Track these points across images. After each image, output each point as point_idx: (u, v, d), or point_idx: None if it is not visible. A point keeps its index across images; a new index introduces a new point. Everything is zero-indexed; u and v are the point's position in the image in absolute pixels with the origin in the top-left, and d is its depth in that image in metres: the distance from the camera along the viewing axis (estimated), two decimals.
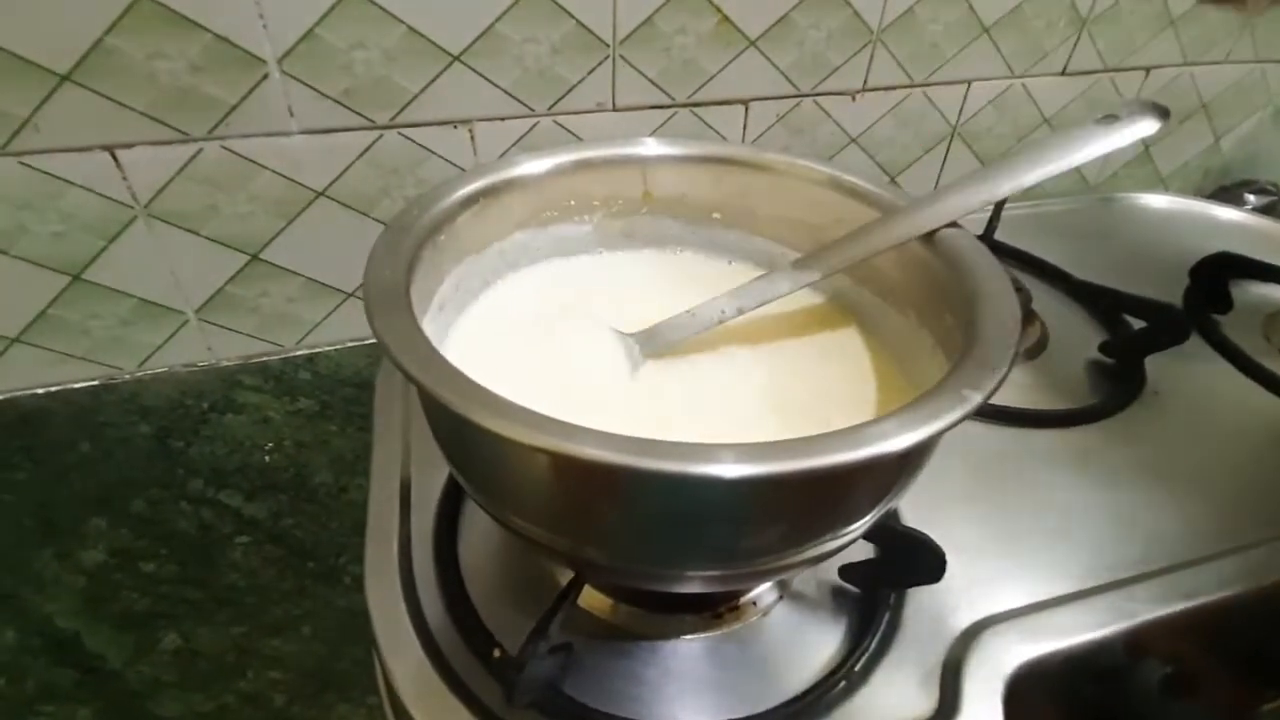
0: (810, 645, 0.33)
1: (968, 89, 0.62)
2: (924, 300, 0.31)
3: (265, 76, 0.43)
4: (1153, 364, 0.47)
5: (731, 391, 0.31)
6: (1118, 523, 0.39)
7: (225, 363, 0.52)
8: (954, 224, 0.30)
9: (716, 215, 0.37)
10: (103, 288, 0.47)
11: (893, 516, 0.37)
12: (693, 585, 0.27)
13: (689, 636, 0.33)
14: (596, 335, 0.33)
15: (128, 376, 0.50)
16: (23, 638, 0.41)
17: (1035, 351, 0.50)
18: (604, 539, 0.25)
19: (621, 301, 0.35)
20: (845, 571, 0.35)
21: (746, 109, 0.56)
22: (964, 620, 0.34)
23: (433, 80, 0.47)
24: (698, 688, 0.31)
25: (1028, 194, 0.66)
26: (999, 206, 0.50)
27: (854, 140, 0.61)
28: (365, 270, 0.26)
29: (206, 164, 0.45)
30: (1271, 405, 0.46)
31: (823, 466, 0.20)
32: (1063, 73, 0.64)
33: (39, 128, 0.41)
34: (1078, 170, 0.72)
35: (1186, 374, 0.48)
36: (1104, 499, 0.40)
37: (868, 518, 0.26)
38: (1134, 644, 0.34)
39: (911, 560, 0.32)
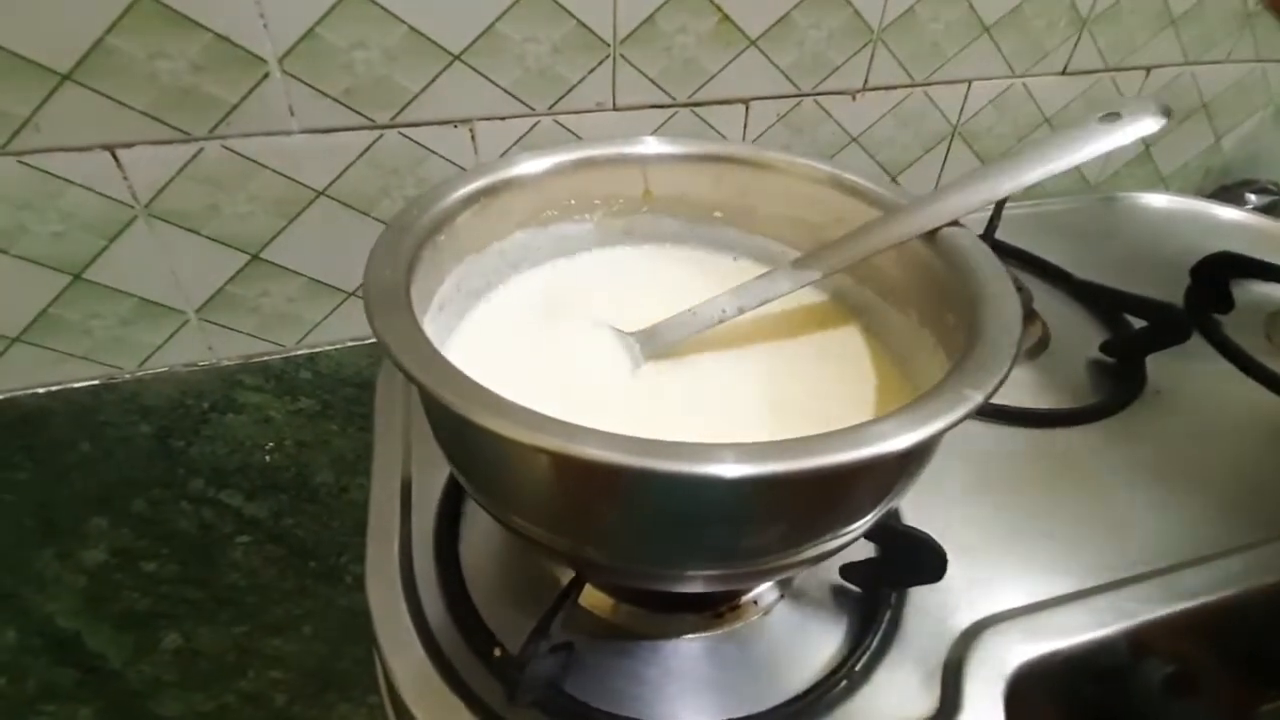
0: (811, 644, 0.33)
1: (968, 88, 0.62)
2: (925, 299, 0.31)
3: (266, 76, 0.43)
4: (1154, 363, 0.47)
5: (732, 391, 0.31)
6: (1119, 522, 0.39)
7: (226, 362, 0.52)
8: (955, 223, 0.30)
9: (717, 214, 0.37)
10: (103, 287, 0.47)
11: (894, 516, 0.37)
12: (693, 585, 0.27)
13: (690, 636, 0.33)
14: (597, 335, 0.33)
15: (128, 376, 0.51)
16: (24, 637, 0.41)
17: (1036, 351, 0.50)
18: (605, 539, 0.25)
19: (622, 301, 0.35)
20: (846, 571, 0.35)
21: (747, 108, 0.56)
22: (965, 620, 0.34)
23: (433, 80, 0.47)
24: (698, 687, 0.31)
25: (1028, 193, 0.67)
26: (1000, 206, 0.50)
27: (855, 140, 0.61)
28: (365, 270, 0.26)
29: (207, 163, 0.45)
30: (1273, 405, 0.46)
31: (823, 466, 0.20)
32: (1063, 72, 0.64)
33: (39, 127, 0.41)
34: (1078, 169, 0.72)
35: (1188, 373, 0.48)
36: (1105, 498, 0.40)
37: (869, 517, 0.26)
38: (1135, 643, 0.34)
39: (912, 560, 0.32)
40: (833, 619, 0.34)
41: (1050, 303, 0.54)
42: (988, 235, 0.50)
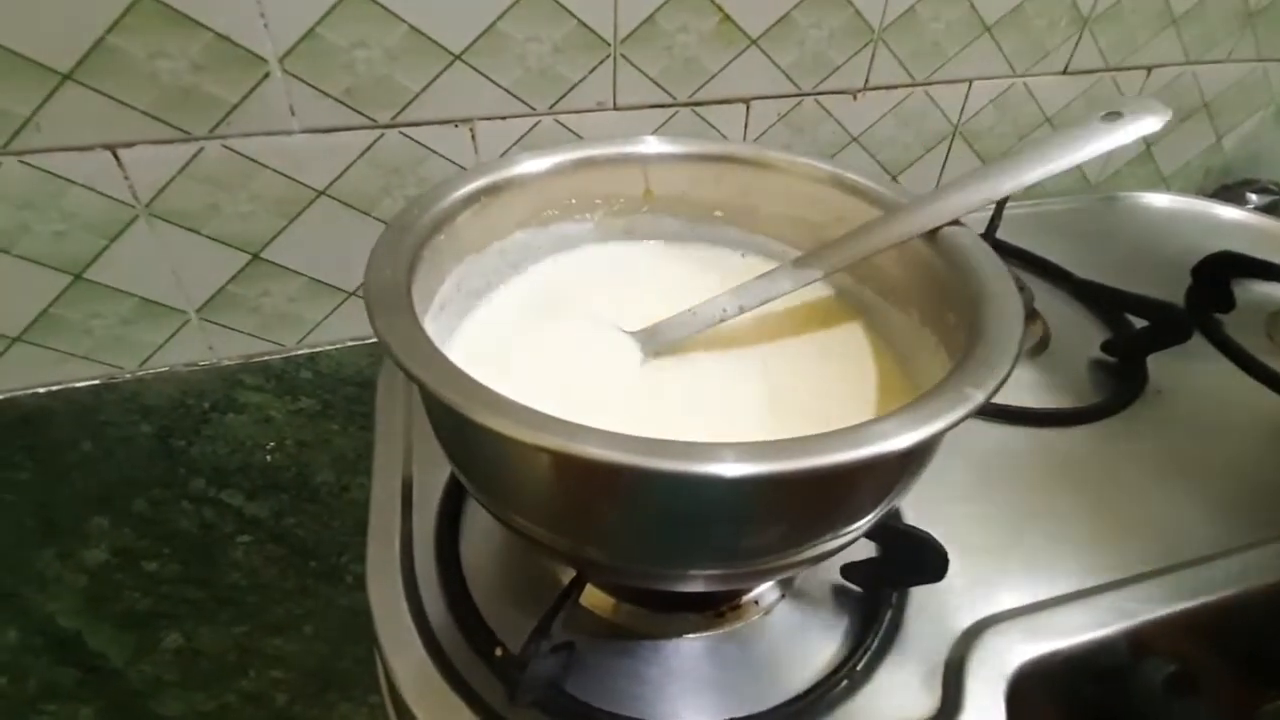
0: (812, 644, 0.33)
1: (969, 88, 0.62)
2: (926, 299, 0.31)
3: (266, 75, 0.43)
4: (1155, 363, 0.47)
5: (733, 390, 0.31)
6: (1120, 522, 0.39)
7: (226, 362, 0.52)
8: (956, 222, 0.30)
9: (718, 213, 0.37)
10: (104, 287, 0.47)
11: (895, 515, 0.37)
12: (694, 584, 0.27)
13: (691, 635, 0.33)
14: (598, 334, 0.33)
15: (129, 376, 0.51)
16: (25, 637, 0.41)
17: (1037, 350, 0.50)
18: (605, 538, 0.25)
19: (623, 300, 0.35)
20: (847, 570, 0.35)
21: (748, 108, 0.56)
22: (966, 619, 0.34)
23: (434, 79, 0.47)
24: (699, 687, 0.31)
25: (1029, 193, 0.67)
26: (1001, 205, 0.50)
27: (855, 139, 0.61)
28: (366, 269, 0.26)
29: (208, 163, 0.45)
30: (1274, 404, 0.46)
31: (824, 465, 0.20)
32: (1064, 72, 0.64)
33: (40, 127, 0.41)
34: (1079, 169, 0.72)
35: (1189, 373, 0.48)
36: (1106, 498, 0.40)
37: (870, 517, 0.26)
38: (1136, 643, 0.34)
39: (914, 559, 0.32)
40: (834, 619, 0.34)
41: (1051, 302, 0.54)
42: (989, 234, 0.50)
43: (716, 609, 0.34)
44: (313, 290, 0.52)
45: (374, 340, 0.54)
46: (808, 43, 0.54)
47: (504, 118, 0.50)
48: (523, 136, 0.51)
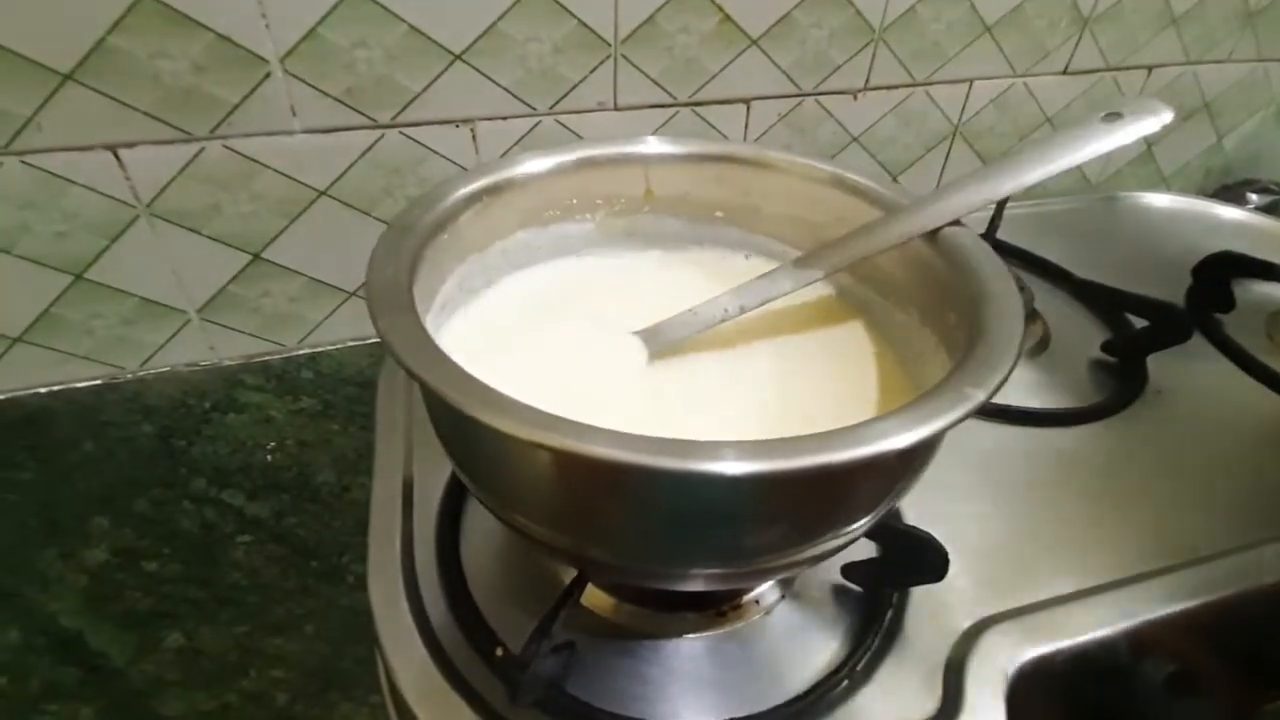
0: (812, 644, 0.33)
1: (970, 88, 0.62)
2: (927, 299, 0.31)
3: (267, 76, 0.43)
4: (1155, 363, 0.47)
5: (734, 390, 0.31)
6: (1120, 522, 0.39)
7: (227, 362, 0.53)
8: (956, 222, 0.30)
9: (719, 214, 0.37)
10: (105, 287, 0.47)
11: (895, 515, 0.37)
12: (695, 583, 0.27)
13: (691, 635, 0.33)
14: (599, 334, 0.33)
15: (130, 376, 0.51)
16: (26, 637, 0.41)
17: (1037, 350, 0.50)
18: (606, 537, 0.25)
19: (624, 300, 0.35)
20: (847, 570, 0.35)
21: (748, 108, 0.56)
22: (966, 619, 0.34)
23: (435, 79, 0.47)
24: (700, 686, 0.31)
25: (1029, 193, 0.67)
26: (1001, 205, 0.50)
27: (856, 139, 0.61)
28: (368, 269, 0.26)
29: (209, 163, 0.45)
30: (1274, 404, 0.46)
31: (825, 464, 0.20)
32: (1064, 72, 0.64)
33: (42, 127, 0.41)
34: (1080, 169, 0.72)
35: (1189, 373, 0.48)
36: (1106, 498, 0.40)
37: (870, 516, 0.26)
38: (1137, 643, 0.34)
39: (914, 559, 0.32)
40: (834, 619, 0.34)
41: (1051, 302, 0.54)
42: (989, 235, 0.50)
43: (717, 609, 0.34)
44: (313, 290, 0.52)
45: (375, 340, 0.54)
46: (808, 43, 0.54)
47: (505, 118, 0.50)
48: (523, 137, 0.51)
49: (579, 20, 0.48)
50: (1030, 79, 0.63)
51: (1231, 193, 0.73)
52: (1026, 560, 0.37)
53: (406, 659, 0.31)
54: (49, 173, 0.42)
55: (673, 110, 0.54)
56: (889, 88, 0.59)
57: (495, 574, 0.35)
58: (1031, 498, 0.40)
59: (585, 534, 0.26)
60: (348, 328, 0.54)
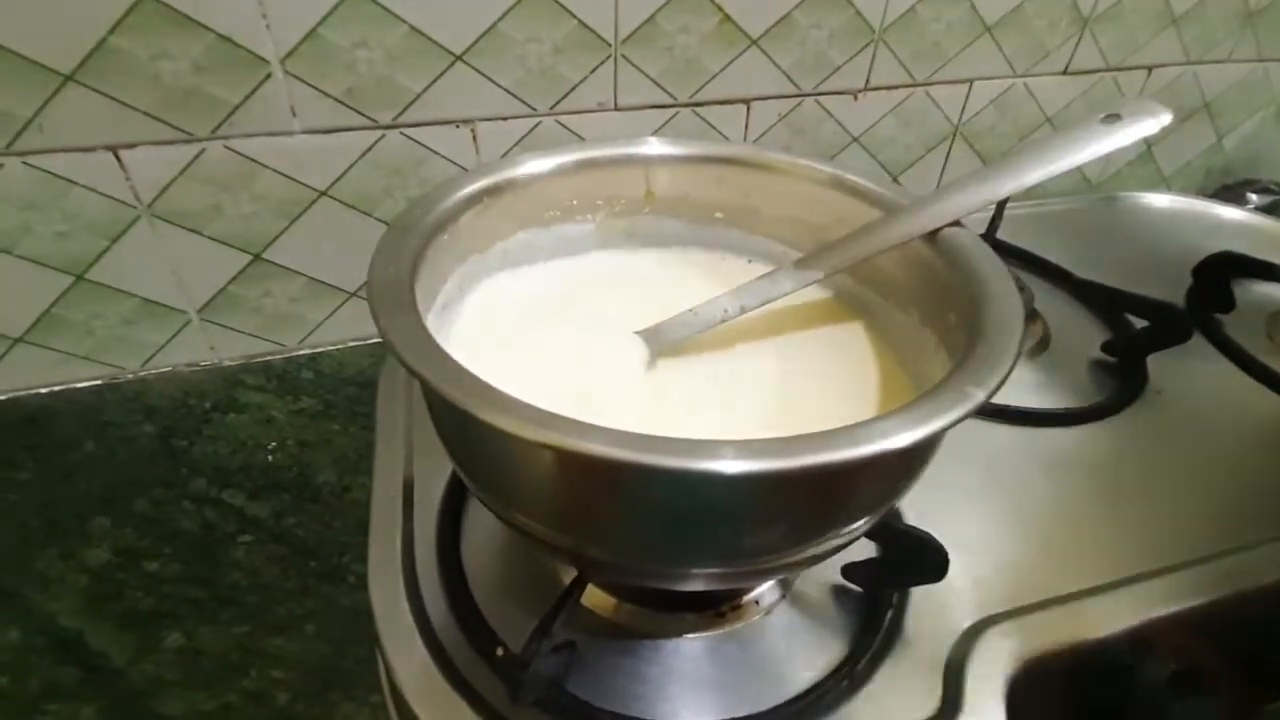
0: (813, 644, 0.33)
1: (970, 88, 0.62)
2: (927, 299, 0.31)
3: (268, 76, 0.44)
4: (1155, 363, 0.47)
5: (735, 390, 0.31)
6: (1119, 521, 0.39)
7: (228, 362, 0.53)
8: (956, 223, 0.30)
9: (719, 214, 0.37)
10: (106, 287, 0.47)
11: (895, 515, 0.37)
12: (695, 583, 0.27)
13: (691, 635, 0.33)
14: (599, 334, 0.33)
15: (131, 376, 0.51)
16: (27, 636, 0.41)
17: (1037, 350, 0.50)
18: (607, 536, 0.25)
19: (624, 300, 0.35)
20: (848, 570, 0.35)
21: (748, 108, 0.56)
22: (967, 619, 0.34)
23: (435, 80, 0.47)
24: (700, 686, 0.32)
25: (1029, 193, 0.67)
26: (1001, 206, 0.50)
27: (856, 140, 0.61)
28: (369, 269, 0.26)
29: (209, 164, 0.45)
30: (1274, 405, 0.46)
31: (824, 463, 0.20)
32: (1065, 72, 0.64)
33: (43, 128, 0.41)
34: (1080, 169, 0.72)
35: (1189, 373, 0.48)
36: (1106, 498, 0.40)
37: (870, 516, 0.26)
38: (1137, 643, 0.34)
39: (914, 559, 0.32)
40: (834, 619, 0.34)
41: (1051, 302, 0.54)
42: (989, 235, 0.50)
43: (717, 609, 0.34)
44: (314, 291, 0.52)
45: (375, 340, 0.54)
46: (808, 43, 0.54)
47: (505, 118, 0.50)
48: (524, 137, 0.51)
49: (579, 20, 0.48)
50: (1030, 79, 0.63)
51: (1232, 193, 0.73)
52: (1026, 560, 0.37)
53: (407, 659, 0.31)
54: (50, 173, 0.43)
55: (673, 110, 0.54)
56: (889, 88, 0.59)
57: (496, 574, 0.35)
58: (1031, 498, 0.40)
59: (586, 533, 0.26)
60: (348, 328, 0.54)
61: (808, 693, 0.31)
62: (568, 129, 0.52)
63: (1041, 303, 0.53)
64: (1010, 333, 0.24)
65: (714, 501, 0.23)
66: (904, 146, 0.63)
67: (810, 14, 0.53)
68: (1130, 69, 0.66)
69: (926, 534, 0.32)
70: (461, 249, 0.32)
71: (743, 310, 0.33)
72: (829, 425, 0.21)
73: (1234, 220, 0.65)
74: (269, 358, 0.53)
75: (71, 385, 0.50)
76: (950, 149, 0.65)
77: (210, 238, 0.47)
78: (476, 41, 0.46)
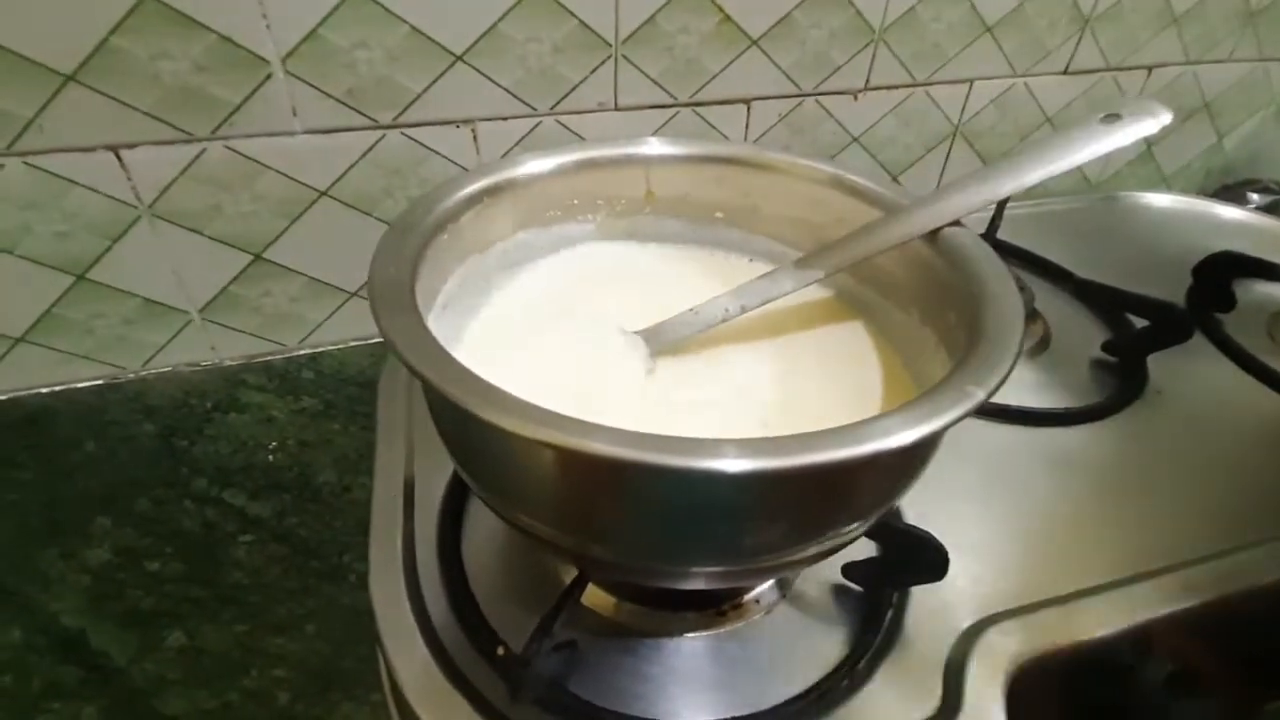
0: (813, 643, 0.33)
1: (970, 88, 0.62)
2: (927, 299, 0.31)
3: (269, 76, 0.44)
4: (1155, 363, 0.47)
5: (736, 389, 0.31)
6: (1119, 521, 0.39)
7: (229, 362, 0.53)
8: (956, 223, 0.30)
9: (719, 214, 0.37)
10: (107, 287, 0.47)
11: (895, 515, 0.37)
12: (696, 582, 0.27)
13: (692, 634, 0.33)
14: (599, 334, 0.33)
15: (132, 376, 0.51)
16: (28, 636, 0.41)
17: (1038, 350, 0.50)
18: (609, 535, 0.25)
19: (624, 300, 0.35)
20: (848, 570, 0.35)
21: (748, 108, 0.56)
22: (966, 618, 0.34)
23: (435, 80, 0.47)
24: (701, 685, 0.32)
25: (1030, 193, 0.67)
26: (1001, 205, 0.50)
27: (856, 139, 0.61)
28: (370, 268, 0.26)
29: (210, 164, 0.45)
30: (1274, 404, 0.46)
31: (825, 462, 0.20)
32: (1065, 72, 0.64)
33: (43, 128, 0.41)
34: (1080, 169, 0.71)
35: (1189, 373, 0.48)
36: (1106, 497, 0.40)
37: (870, 515, 0.26)
38: (1137, 642, 0.34)
39: (914, 558, 0.32)
40: (834, 618, 0.34)
41: (1052, 302, 0.54)
42: (989, 235, 0.50)
43: (718, 608, 0.34)
44: (314, 290, 0.52)
45: (376, 340, 0.54)
46: (808, 43, 0.54)
47: (505, 118, 0.50)
48: (524, 137, 0.51)
49: (579, 20, 0.48)
50: (1030, 79, 0.63)
51: (1232, 192, 0.73)
52: (1026, 559, 0.37)
53: (408, 658, 0.31)
54: (51, 173, 0.43)
55: (673, 110, 0.54)
56: (889, 88, 0.59)
57: (496, 573, 0.35)
58: (1032, 497, 0.40)
59: (587, 532, 0.26)
60: (349, 328, 0.54)
61: (808, 692, 0.31)
62: (568, 129, 0.52)
63: (1042, 302, 0.53)
64: (1010, 332, 0.24)
65: (715, 500, 0.23)
66: (904, 146, 0.63)
67: (810, 14, 0.53)
68: (1131, 69, 0.66)
69: (926, 533, 0.32)
70: (462, 249, 0.32)
71: (743, 310, 0.33)
72: (829, 424, 0.21)
73: (1234, 220, 0.65)
74: (270, 357, 0.53)
75: (72, 385, 0.50)
76: (950, 149, 0.65)
77: (211, 238, 0.48)
78: (477, 41, 0.46)
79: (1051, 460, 0.42)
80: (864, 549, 0.35)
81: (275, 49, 0.43)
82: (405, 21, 0.44)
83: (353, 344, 0.55)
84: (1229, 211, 0.66)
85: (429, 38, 0.45)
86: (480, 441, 0.25)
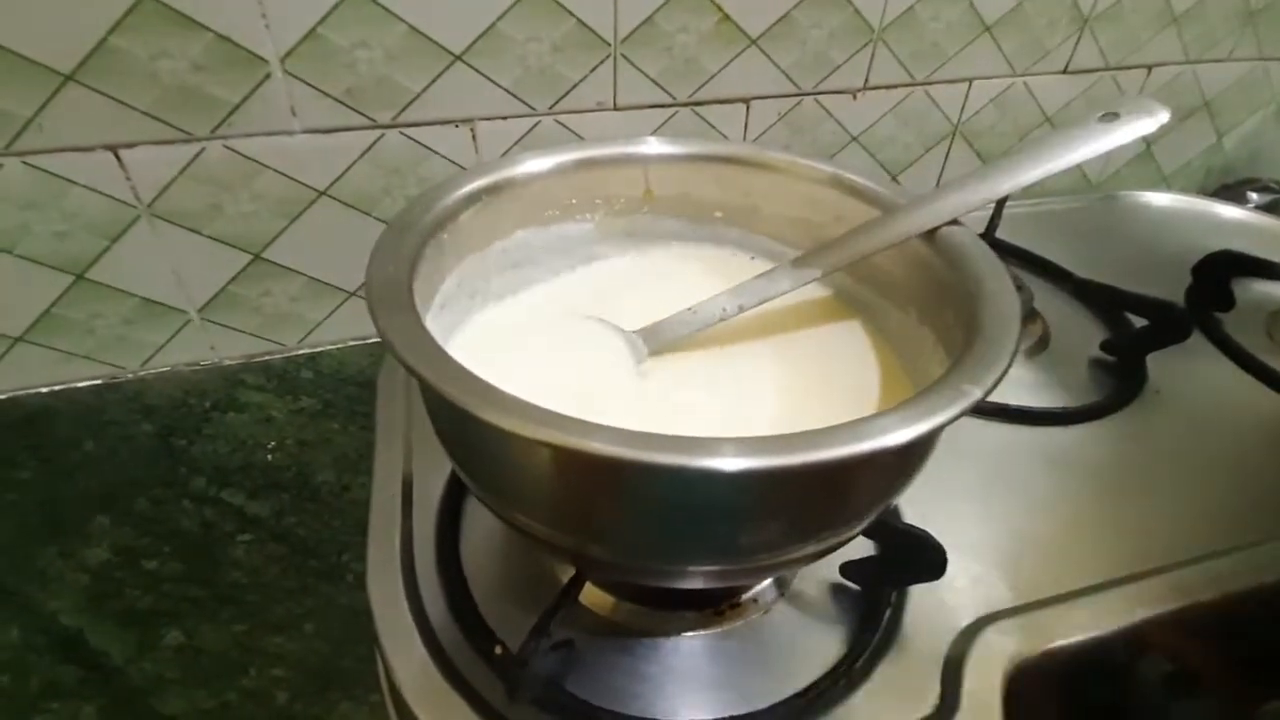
0: (811, 642, 0.33)
1: (969, 87, 0.62)
2: (925, 298, 0.31)
3: (268, 76, 0.44)
4: (1154, 362, 0.47)
5: (734, 388, 0.31)
6: (1118, 521, 0.39)
7: (228, 362, 0.53)
8: (955, 222, 0.30)
9: (718, 214, 0.37)
10: (106, 287, 0.47)
11: (894, 514, 0.37)
12: (694, 581, 0.27)
13: (690, 634, 0.33)
14: (598, 332, 0.33)
15: (131, 375, 0.51)
16: (27, 635, 0.41)
17: (1037, 349, 0.50)
18: (606, 534, 0.25)
19: (623, 299, 0.35)
20: (846, 569, 0.35)
21: (748, 108, 0.56)
22: (965, 618, 0.34)
23: (435, 79, 0.47)
24: (699, 685, 0.32)
25: (1029, 192, 0.66)
26: (1000, 204, 0.50)
27: (855, 139, 0.61)
28: (368, 268, 0.26)
29: (209, 163, 0.45)
30: (1274, 403, 0.46)
31: (823, 460, 0.20)
32: (1064, 71, 0.64)
33: (43, 127, 0.41)
34: (1079, 168, 0.72)
35: (1188, 372, 0.48)
36: (1105, 497, 0.40)
37: (869, 514, 0.26)
38: (1135, 642, 0.34)
39: (912, 557, 0.32)
40: (833, 617, 0.34)
41: (1051, 301, 0.54)
42: (988, 234, 0.50)
43: (716, 607, 0.34)
44: (314, 290, 0.52)
45: (375, 340, 0.54)
46: (808, 42, 0.54)
47: (504, 118, 0.50)
48: (523, 136, 0.51)
49: (578, 20, 0.48)
50: (1030, 78, 0.63)
51: (1232, 192, 0.73)
52: (1025, 559, 0.37)
53: (406, 658, 0.31)
54: (50, 173, 0.43)
55: (672, 110, 0.54)
56: (888, 87, 0.59)
57: (494, 573, 0.35)
58: (1030, 496, 0.40)
59: (585, 531, 0.26)
60: (348, 327, 0.54)
61: (806, 691, 0.31)
62: (567, 128, 0.52)
63: (1041, 302, 0.53)
64: (1007, 331, 0.24)
65: (713, 499, 0.23)
66: (903, 146, 0.63)
67: (810, 13, 0.53)
68: (1130, 68, 0.66)
69: (925, 532, 0.32)
70: (460, 248, 0.32)
71: (741, 309, 0.33)
72: (827, 423, 0.21)
73: (1234, 219, 0.65)
74: (269, 357, 0.53)
75: (71, 385, 0.50)
76: (950, 148, 0.65)
77: (210, 237, 0.48)
78: (476, 41, 0.46)
79: (1050, 460, 0.42)
80: (862, 548, 0.35)
81: (274, 48, 0.43)
82: (404, 21, 0.44)
83: (352, 344, 0.55)
84: (1228, 211, 0.66)
85: (428, 37, 0.45)
86: (478, 441, 0.25)
